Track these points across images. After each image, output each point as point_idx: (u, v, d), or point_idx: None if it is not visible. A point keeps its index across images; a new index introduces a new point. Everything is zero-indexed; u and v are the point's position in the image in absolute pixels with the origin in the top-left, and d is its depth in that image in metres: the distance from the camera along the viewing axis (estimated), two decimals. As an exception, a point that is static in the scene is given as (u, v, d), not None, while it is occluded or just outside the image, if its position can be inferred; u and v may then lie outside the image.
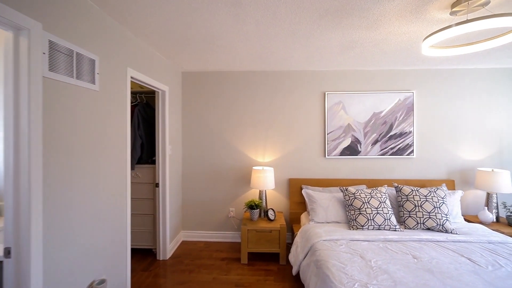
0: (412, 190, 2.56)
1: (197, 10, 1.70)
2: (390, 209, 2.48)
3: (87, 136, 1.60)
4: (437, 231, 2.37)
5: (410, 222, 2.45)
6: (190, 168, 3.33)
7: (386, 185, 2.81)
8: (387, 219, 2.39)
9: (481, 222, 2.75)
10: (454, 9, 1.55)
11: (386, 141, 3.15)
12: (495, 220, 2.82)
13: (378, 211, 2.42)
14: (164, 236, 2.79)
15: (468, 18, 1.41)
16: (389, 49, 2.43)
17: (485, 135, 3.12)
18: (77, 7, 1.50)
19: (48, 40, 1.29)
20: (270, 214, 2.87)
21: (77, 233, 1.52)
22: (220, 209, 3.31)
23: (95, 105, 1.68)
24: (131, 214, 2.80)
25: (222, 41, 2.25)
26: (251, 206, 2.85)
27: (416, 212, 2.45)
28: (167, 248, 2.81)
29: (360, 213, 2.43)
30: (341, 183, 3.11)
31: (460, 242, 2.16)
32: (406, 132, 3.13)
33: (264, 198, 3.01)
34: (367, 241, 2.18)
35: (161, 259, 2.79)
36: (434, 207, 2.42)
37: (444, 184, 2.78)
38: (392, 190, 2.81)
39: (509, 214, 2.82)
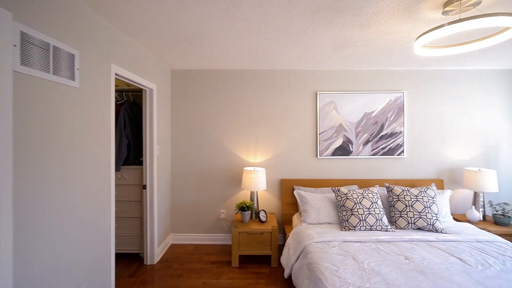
0: (403, 190, 2.57)
1: (186, 5, 1.62)
2: (382, 210, 2.47)
3: (66, 135, 1.49)
4: (428, 230, 2.39)
5: (401, 222, 2.45)
6: (179, 169, 3.23)
7: (377, 185, 2.81)
8: (378, 220, 2.39)
9: (468, 221, 2.79)
10: (446, 9, 1.54)
11: (377, 141, 3.16)
12: (482, 218, 2.87)
13: (370, 212, 2.41)
14: (151, 239, 2.69)
15: (461, 18, 1.40)
16: (381, 49, 2.42)
17: (472, 135, 3.18)
18: (54, -3, 1.39)
19: (20, 31, 1.18)
20: (262, 215, 2.82)
21: (53, 238, 1.42)
22: (210, 211, 3.23)
23: (76, 102, 1.57)
24: (117, 217, 2.68)
25: (212, 38, 2.17)
26: (242, 207, 2.79)
27: (407, 212, 2.46)
28: (155, 252, 2.71)
29: (352, 214, 2.41)
30: (333, 184, 3.10)
31: (450, 241, 2.18)
32: (397, 132, 3.15)
33: (255, 199, 2.95)
34: (360, 242, 2.16)
35: (148, 264, 2.68)
36: (425, 207, 2.43)
37: (433, 184, 2.80)
38: (384, 190, 2.82)
39: (495, 212, 2.88)
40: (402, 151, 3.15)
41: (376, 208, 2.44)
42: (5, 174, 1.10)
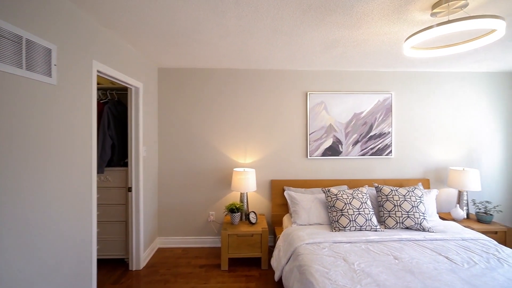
0: (392, 190, 2.60)
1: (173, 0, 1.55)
2: (371, 210, 2.49)
3: (42, 135, 1.39)
4: (415, 229, 2.42)
5: (390, 221, 2.47)
6: (167, 170, 3.13)
7: (366, 185, 2.83)
8: (368, 220, 2.40)
9: (453, 219, 2.87)
10: (434, 10, 1.55)
11: (366, 141, 3.19)
12: (466, 216, 2.95)
13: (360, 212, 2.41)
14: (137, 244, 2.58)
15: (449, 19, 1.41)
16: (370, 50, 2.43)
17: (457, 136, 3.26)
18: (28, -13, 1.29)
19: (-13, 23, 1.08)
20: (252, 217, 2.77)
21: (28, 246, 1.31)
22: (199, 213, 3.15)
23: (53, 100, 1.47)
24: (100, 221, 2.56)
25: (200, 35, 2.11)
26: (232, 209, 2.74)
27: (395, 211, 2.48)
28: (141, 256, 2.61)
29: (342, 214, 2.41)
30: (323, 184, 3.10)
31: (436, 240, 2.22)
32: (385, 133, 3.19)
33: (245, 200, 2.91)
34: (350, 242, 2.16)
35: (134, 269, 2.57)
36: (412, 207, 2.47)
37: (420, 183, 2.85)
38: (373, 190, 2.84)
39: (478, 210, 2.97)
40: (390, 151, 3.20)
41: (365, 208, 2.45)
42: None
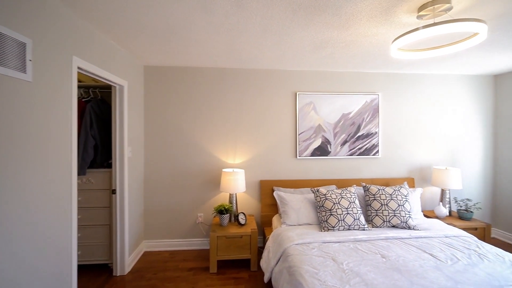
0: (379, 189, 2.64)
1: (157, -6, 1.50)
2: (359, 209, 2.52)
3: (16, 135, 1.29)
4: (401, 228, 2.47)
5: (377, 220, 2.52)
6: (153, 171, 3.04)
7: (355, 185, 2.86)
8: (356, 219, 2.42)
9: (437, 217, 2.96)
10: (420, 13, 1.58)
11: (354, 141, 3.23)
12: (448, 214, 3.06)
13: (348, 212, 2.44)
14: (122, 248, 2.49)
15: (435, 22, 1.44)
16: (358, 51, 2.46)
17: (440, 136, 3.37)
18: (-1, -25, 1.20)
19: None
20: (241, 218, 2.74)
21: (2, 252, 1.22)
22: (187, 215, 3.08)
23: (28, 98, 1.37)
24: (82, 225, 2.44)
25: (187, 32, 2.05)
26: (221, 210, 2.69)
27: (382, 210, 2.53)
28: (126, 261, 2.51)
29: (331, 214, 2.42)
30: (312, 184, 3.11)
31: (421, 238, 2.27)
32: (372, 133, 3.25)
33: (234, 201, 2.87)
34: (339, 242, 2.17)
35: (118, 274, 2.48)
36: (398, 205, 2.52)
37: (405, 182, 2.93)
38: (361, 190, 2.88)
39: (459, 208, 3.08)
40: (377, 151, 3.26)
41: (354, 207, 2.48)
42: None
